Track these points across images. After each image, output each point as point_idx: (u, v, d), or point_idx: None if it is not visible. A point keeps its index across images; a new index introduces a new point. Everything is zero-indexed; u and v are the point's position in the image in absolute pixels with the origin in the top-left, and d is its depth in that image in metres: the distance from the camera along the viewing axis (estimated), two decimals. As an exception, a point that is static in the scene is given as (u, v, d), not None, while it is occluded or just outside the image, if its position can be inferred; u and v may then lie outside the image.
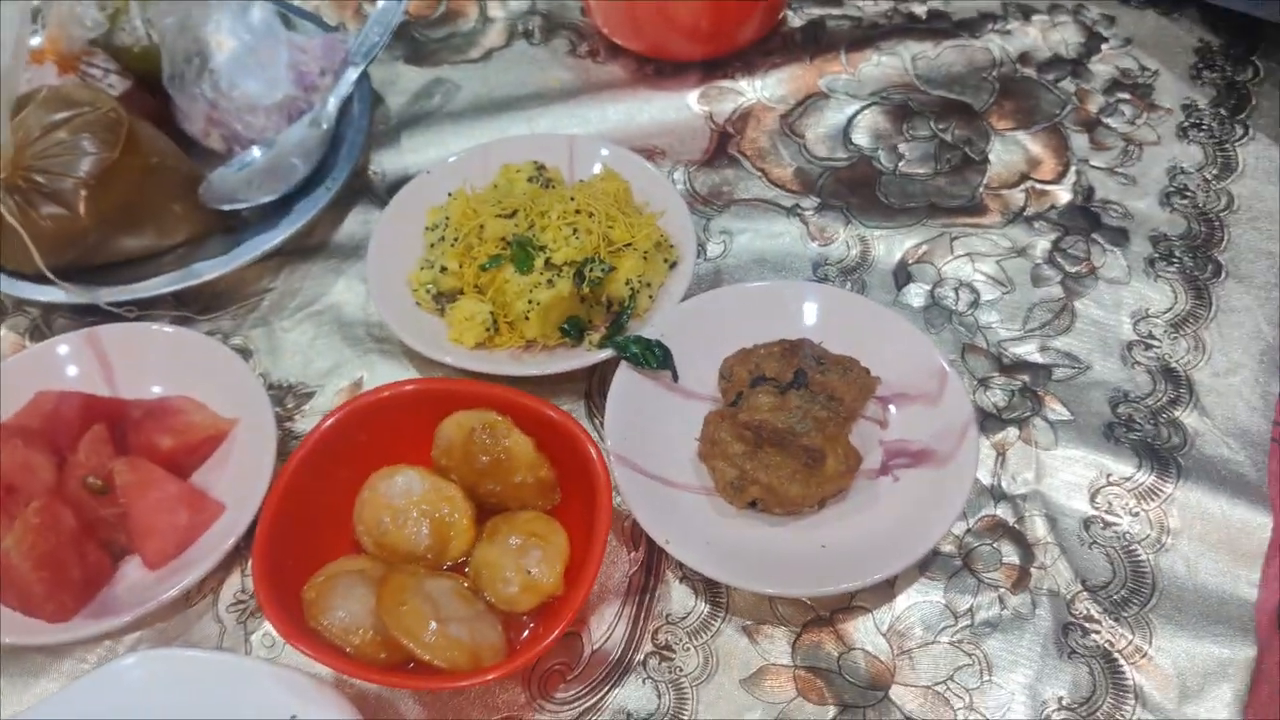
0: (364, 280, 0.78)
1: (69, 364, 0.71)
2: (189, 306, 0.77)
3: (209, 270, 0.76)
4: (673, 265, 0.74)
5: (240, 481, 0.67)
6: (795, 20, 0.93)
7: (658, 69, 0.90)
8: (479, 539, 0.64)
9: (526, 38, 0.94)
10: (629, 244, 0.72)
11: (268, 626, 0.64)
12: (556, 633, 0.57)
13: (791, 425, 0.64)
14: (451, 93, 0.90)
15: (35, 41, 0.78)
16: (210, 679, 0.60)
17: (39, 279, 0.74)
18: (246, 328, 0.76)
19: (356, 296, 0.78)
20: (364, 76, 0.84)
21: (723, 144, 0.85)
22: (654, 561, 0.65)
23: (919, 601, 0.63)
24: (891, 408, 0.68)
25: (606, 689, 0.61)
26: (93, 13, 0.79)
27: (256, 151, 0.81)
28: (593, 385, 0.73)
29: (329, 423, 0.64)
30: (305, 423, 0.72)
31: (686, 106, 0.88)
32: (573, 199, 0.73)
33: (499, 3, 0.96)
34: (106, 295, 0.74)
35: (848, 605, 0.63)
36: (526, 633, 0.61)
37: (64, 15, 0.77)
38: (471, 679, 0.56)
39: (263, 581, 0.58)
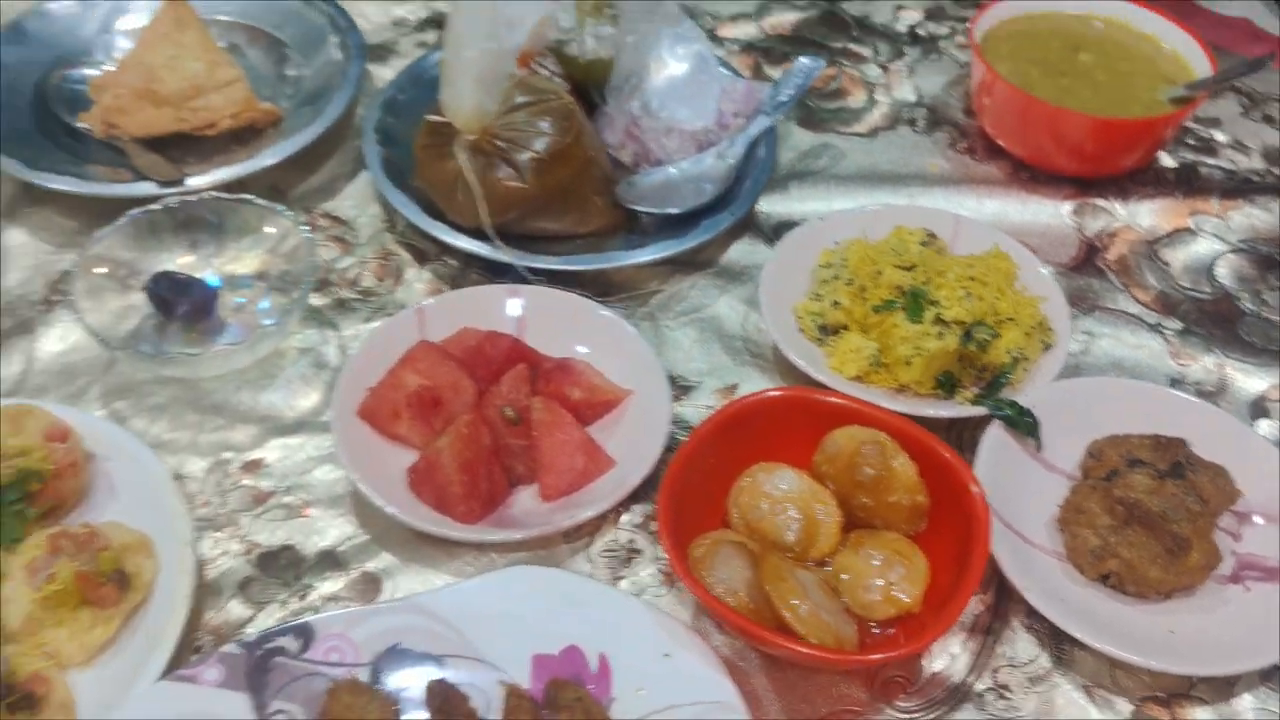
0: (745, 301, 0.86)
1: (493, 309, 0.79)
2: (588, 288, 0.85)
3: (619, 259, 0.84)
4: (1047, 348, 0.78)
5: (631, 445, 0.73)
6: (1169, 160, 0.98)
7: (1033, 176, 0.96)
8: (842, 546, 0.69)
9: (910, 125, 1.01)
10: (1011, 318, 0.77)
11: (637, 574, 0.70)
12: (922, 644, 0.62)
13: (1165, 510, 0.67)
14: (837, 158, 0.98)
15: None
16: (591, 604, 0.66)
17: (474, 234, 0.84)
18: (636, 318, 0.84)
19: (736, 314, 0.85)
20: (771, 127, 0.92)
21: (1090, 255, 0.90)
22: (1001, 606, 0.69)
23: (1259, 709, 0.65)
24: (1258, 519, 0.71)
25: (944, 710, 0.64)
26: (565, 22, 0.90)
27: (672, 169, 0.89)
28: (950, 438, 0.77)
29: (733, 409, 0.70)
30: (682, 409, 0.78)
31: (1058, 214, 0.93)
32: (970, 266, 0.79)
33: (885, 90, 1.04)
34: (528, 260, 0.83)
35: (1187, 692, 0.65)
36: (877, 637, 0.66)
37: (545, 20, 0.87)
38: (843, 657, 0.61)
39: (665, 529, 0.64)
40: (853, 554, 0.68)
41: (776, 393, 0.72)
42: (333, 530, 0.71)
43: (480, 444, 0.70)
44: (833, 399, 0.71)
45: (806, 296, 0.82)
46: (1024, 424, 0.73)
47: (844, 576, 0.67)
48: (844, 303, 0.80)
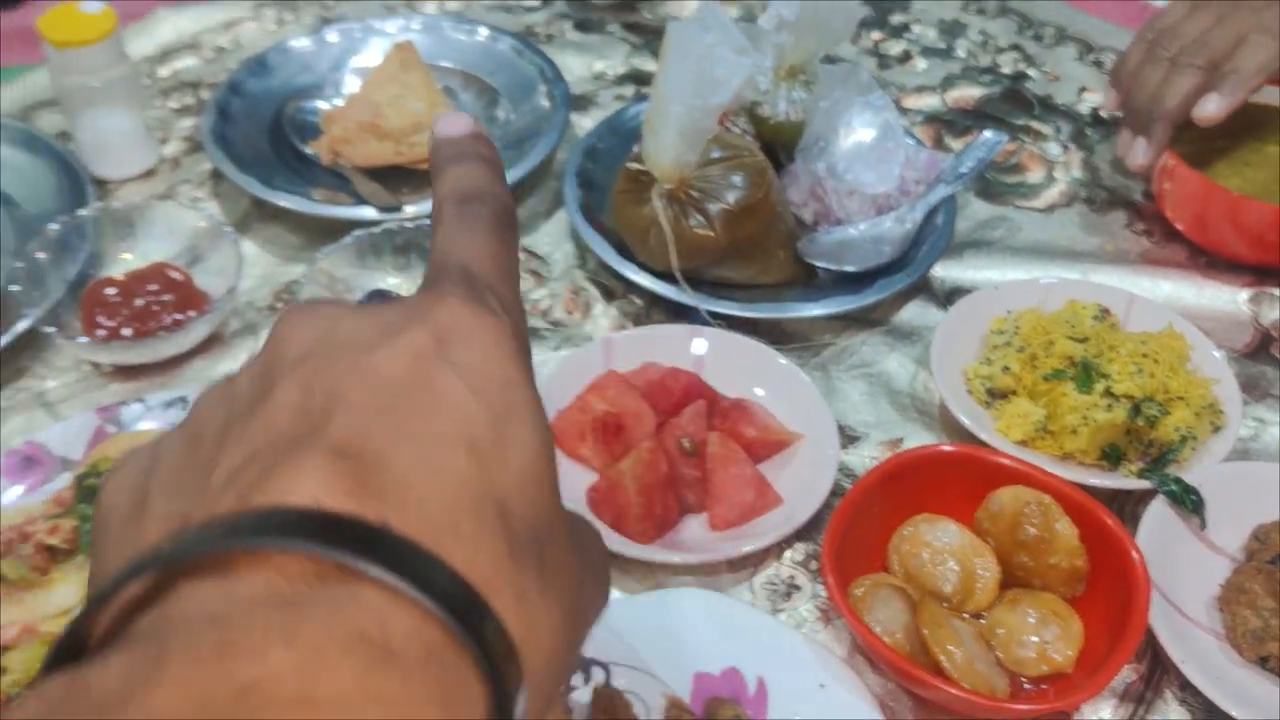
0: (914, 360, 0.89)
1: (676, 347, 0.84)
2: (763, 335, 0.89)
3: (797, 310, 0.88)
4: (1216, 430, 0.79)
5: (798, 486, 0.77)
6: (1351, 257, 0.98)
7: (1210, 262, 0.97)
8: (998, 602, 0.71)
9: (1088, 204, 1.03)
10: (1182, 397, 0.79)
11: (796, 609, 0.73)
12: (1075, 702, 0.64)
13: (1330, 598, 0.68)
14: (1013, 230, 1.00)
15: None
16: (752, 631, 0.69)
17: (661, 276, 0.89)
18: (808, 368, 0.87)
19: (905, 372, 0.88)
20: (951, 196, 0.96)
21: (1264, 344, 0.91)
22: (1155, 677, 0.70)
23: None
24: None
25: (1091, 770, 0.66)
26: (763, 84, 0.95)
27: (852, 229, 0.93)
28: (1112, 510, 0.78)
29: (903, 458, 0.74)
30: (847, 457, 0.82)
31: (1235, 301, 0.94)
32: (1144, 343, 0.80)
33: (1065, 169, 1.07)
34: (711, 304, 0.88)
35: (1343, 782, 0.65)
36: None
37: (748, 79, 0.92)
38: (995, 704, 0.63)
39: (830, 565, 0.68)
40: (1009, 610, 0.70)
41: (947, 448, 0.75)
42: (514, 538, 0.77)
43: (659, 470, 0.75)
44: (1001, 459, 0.74)
45: (977, 360, 0.85)
46: (1189, 501, 0.74)
47: (999, 631, 0.69)
48: (1014, 369, 0.82)
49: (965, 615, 0.71)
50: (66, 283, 0.87)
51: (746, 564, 0.75)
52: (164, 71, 1.15)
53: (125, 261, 0.91)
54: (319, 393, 0.27)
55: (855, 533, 0.72)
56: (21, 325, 0.84)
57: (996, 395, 0.83)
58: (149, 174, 1.04)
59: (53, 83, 0.98)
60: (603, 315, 0.92)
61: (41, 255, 0.87)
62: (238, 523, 0.24)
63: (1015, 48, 1.21)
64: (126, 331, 0.85)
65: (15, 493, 0.74)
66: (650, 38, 1.21)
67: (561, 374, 0.82)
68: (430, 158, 0.37)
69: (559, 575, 0.28)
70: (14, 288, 0.84)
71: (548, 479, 0.29)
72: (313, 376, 0.28)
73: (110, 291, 0.87)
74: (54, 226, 0.88)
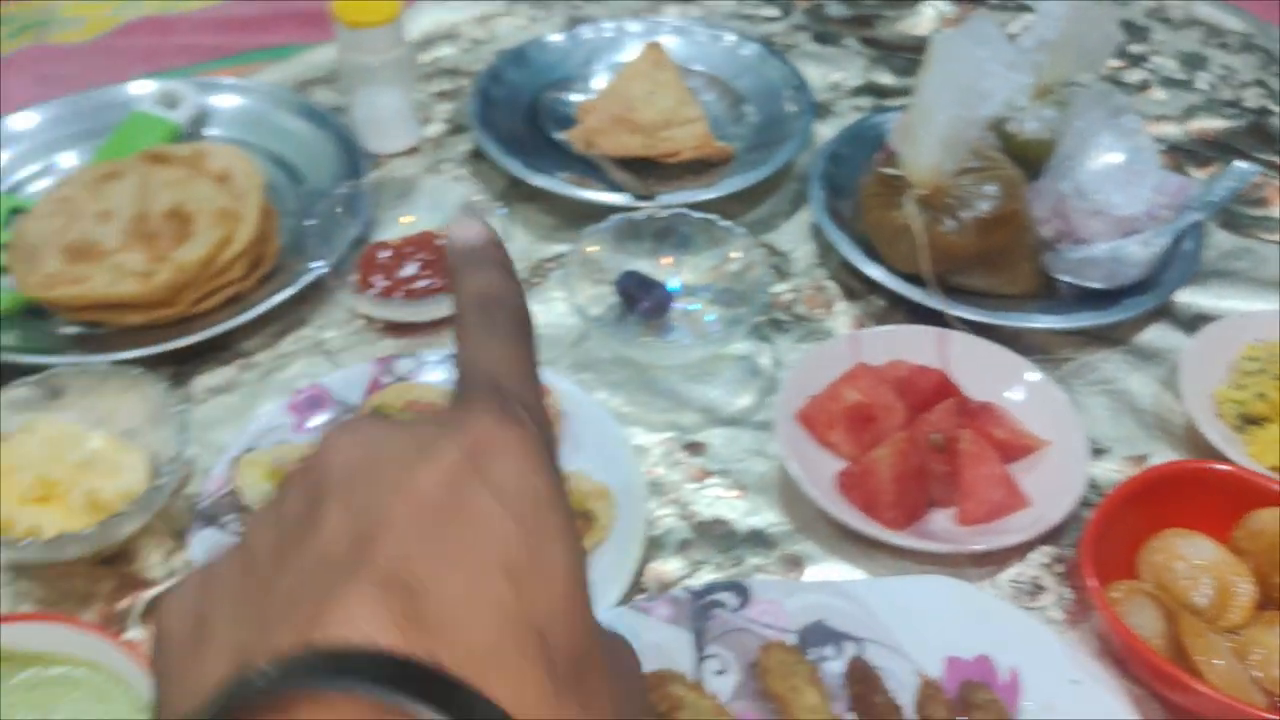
0: (1158, 381, 0.89)
1: (923, 347, 0.86)
2: (1003, 345, 0.90)
3: (1042, 321, 0.90)
4: None
5: (1044, 491, 0.78)
6: None
7: None
8: (1254, 621, 0.71)
9: (1336, 242, 1.02)
10: None
11: (1041, 608, 0.74)
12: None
13: None
14: (1258, 262, 1.00)
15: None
16: (1003, 622, 0.70)
17: (909, 279, 0.92)
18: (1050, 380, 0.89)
19: (1148, 391, 0.88)
20: (1198, 223, 0.96)
21: None
22: None
23: None
24: None
25: (1349, 796, 0.65)
26: (1019, 101, 0.97)
27: (1096, 249, 0.94)
28: (1368, 544, 0.78)
29: (1163, 470, 0.76)
30: (1090, 469, 0.82)
31: None
32: None
33: (1310, 205, 1.06)
34: (958, 310, 0.90)
35: None
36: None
37: (1013, 94, 0.94)
38: (1260, 714, 0.63)
39: (1091, 570, 0.69)
40: (1266, 630, 0.70)
41: (1214, 465, 0.76)
42: (762, 514, 0.80)
43: (911, 461, 0.77)
44: (1264, 480, 0.74)
45: (1227, 385, 0.85)
46: None
47: (1257, 651, 0.69)
48: (1270, 396, 0.82)
49: (1218, 631, 0.71)
50: (348, 242, 0.93)
51: (991, 560, 0.77)
52: (425, 58, 1.22)
53: (403, 226, 0.97)
54: (364, 516, 0.29)
55: (1109, 537, 0.73)
56: (308, 277, 0.91)
57: (1249, 421, 0.83)
58: (412, 151, 1.10)
59: (339, 60, 1.05)
60: (844, 313, 0.95)
61: (330, 216, 0.93)
62: (297, 664, 0.26)
63: (1259, 83, 1.20)
64: (398, 292, 0.91)
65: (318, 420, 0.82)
66: (886, 53, 1.24)
67: (808, 364, 0.85)
68: (448, 260, 0.40)
69: (598, 702, 0.29)
70: (309, 240, 0.90)
71: (583, 601, 0.30)
72: (357, 498, 0.30)
73: (384, 254, 0.93)
74: (341, 191, 0.95)
